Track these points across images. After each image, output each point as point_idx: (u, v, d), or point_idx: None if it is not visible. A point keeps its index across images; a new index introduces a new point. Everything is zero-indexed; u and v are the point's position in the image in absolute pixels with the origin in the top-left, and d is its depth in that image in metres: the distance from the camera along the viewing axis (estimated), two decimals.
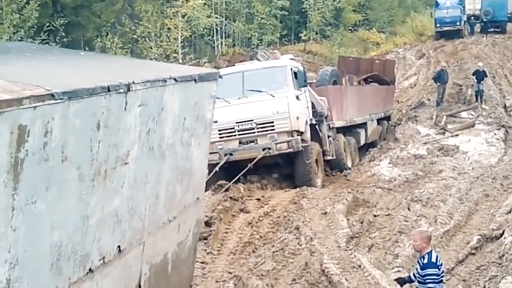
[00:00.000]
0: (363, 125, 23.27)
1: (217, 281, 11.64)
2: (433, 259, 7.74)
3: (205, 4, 38.22)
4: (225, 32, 42.90)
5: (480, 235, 12.65)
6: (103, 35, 33.78)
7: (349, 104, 21.71)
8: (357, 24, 57.59)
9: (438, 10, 53.46)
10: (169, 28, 35.28)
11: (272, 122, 16.93)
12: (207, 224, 14.24)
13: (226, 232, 13.87)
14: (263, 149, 16.65)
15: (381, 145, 23.59)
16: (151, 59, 32.62)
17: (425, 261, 7.74)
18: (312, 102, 18.75)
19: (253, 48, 43.76)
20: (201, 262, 12.53)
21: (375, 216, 14.46)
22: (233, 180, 16.39)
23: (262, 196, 16.34)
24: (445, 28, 52.09)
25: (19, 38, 18.11)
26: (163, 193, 7.88)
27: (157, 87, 7.15)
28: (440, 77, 28.96)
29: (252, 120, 16.92)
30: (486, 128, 24.37)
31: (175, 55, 33.78)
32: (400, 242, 12.67)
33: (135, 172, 6.83)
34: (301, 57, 41.62)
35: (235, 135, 17.15)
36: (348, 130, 21.84)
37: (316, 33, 48.89)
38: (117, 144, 6.31)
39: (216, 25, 40.90)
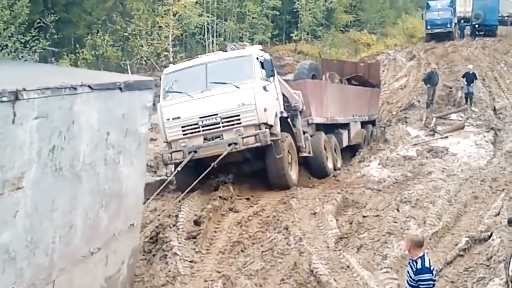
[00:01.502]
0: (346, 126, 22.47)
1: (206, 280, 11.63)
2: (427, 264, 7.71)
3: (196, 2, 38.19)
4: (216, 31, 42.91)
5: (468, 237, 12.67)
6: (94, 33, 33.69)
7: (329, 101, 20.81)
8: (348, 25, 57.75)
9: (429, 12, 53.72)
10: (160, 27, 35.23)
11: (238, 115, 15.71)
12: (196, 223, 14.26)
13: (215, 231, 13.84)
14: (229, 145, 15.43)
15: (371, 146, 23.59)
16: (141, 57, 32.59)
17: (419, 266, 7.71)
18: (285, 96, 17.95)
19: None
20: (190, 261, 12.53)
21: (364, 217, 14.46)
22: (198, 179, 15.28)
23: (252, 196, 16.27)
24: (436, 30, 52.36)
25: (10, 34, 17.99)
26: (80, 221, 6.50)
27: (63, 96, 5.83)
28: (430, 79, 29.06)
29: (217, 114, 15.69)
30: (475, 130, 24.43)
31: (166, 53, 33.74)
32: (389, 243, 12.67)
33: (34, 198, 5.51)
34: (292, 57, 41.77)
35: (199, 131, 15.92)
36: (329, 129, 20.83)
37: (307, 34, 49.01)
38: (3, 165, 5.13)
39: (208, 24, 40.92)
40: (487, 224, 13.35)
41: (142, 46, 33.85)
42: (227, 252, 12.97)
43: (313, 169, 18.79)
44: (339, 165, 20.52)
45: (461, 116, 26.86)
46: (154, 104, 15.69)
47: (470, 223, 13.93)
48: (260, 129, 15.59)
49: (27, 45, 18.68)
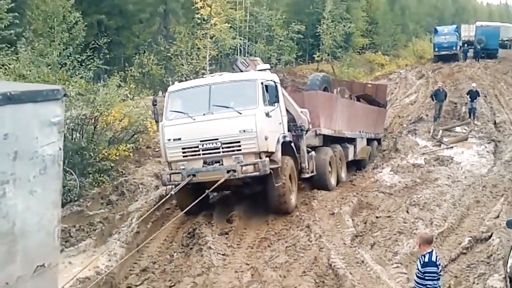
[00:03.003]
0: (353, 141, 20.94)
1: (236, 271, 11.66)
2: (433, 259, 7.71)
3: (230, 27, 38.38)
4: (247, 52, 43.01)
5: (471, 236, 12.58)
6: (141, 53, 34.04)
7: (338, 114, 19.14)
8: (364, 47, 57.61)
9: (436, 36, 53.66)
10: (198, 48, 35.44)
11: (239, 142, 13.69)
12: (228, 221, 14.30)
13: (245, 229, 13.87)
14: (228, 171, 13.53)
15: (383, 155, 23.44)
16: (182, 74, 32.81)
17: (426, 259, 7.71)
18: (292, 115, 16.12)
19: (272, 67, 43.93)
20: (222, 254, 12.56)
21: (377, 217, 14.41)
22: (193, 203, 13.52)
23: None
24: (443, 52, 52.25)
25: (68, 54, 18.23)
26: None
27: None
28: (437, 96, 28.92)
29: (217, 139, 13.69)
30: (477, 141, 24.23)
31: (203, 71, 33.87)
32: (399, 241, 12.60)
33: None
34: None
35: (199, 154, 13.96)
36: (337, 142, 19.26)
37: (328, 55, 48.95)
38: None
39: (240, 45, 41.06)
40: (487, 225, 13.23)
41: (182, 65, 34.05)
42: (255, 247, 12.99)
43: (315, 185, 17.10)
44: (343, 177, 19.20)
45: (465, 129, 26.64)
46: (157, 122, 14.96)
47: (472, 224, 13.80)
48: (260, 157, 13.72)
49: (83, 64, 18.85)
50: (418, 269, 7.78)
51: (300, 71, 42.20)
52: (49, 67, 17.64)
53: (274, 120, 14.35)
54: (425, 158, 21.39)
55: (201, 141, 13.78)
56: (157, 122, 15.08)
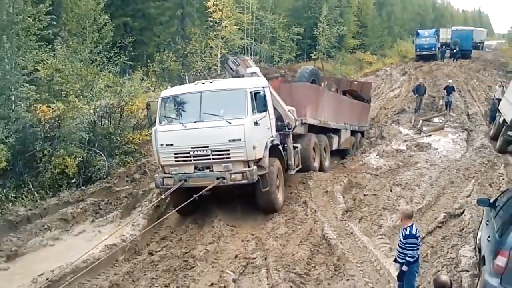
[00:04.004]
0: (337, 131, 19.58)
1: (242, 241, 11.74)
2: (414, 231, 7.70)
3: (239, 29, 38.18)
4: (253, 51, 42.85)
5: (445, 212, 12.61)
6: (161, 51, 33.88)
7: (324, 106, 17.90)
8: (355, 47, 57.27)
9: (418, 39, 53.51)
10: (211, 47, 35.25)
11: (228, 150, 12.43)
12: (235, 200, 14.19)
13: (249, 204, 13.89)
14: (217, 178, 12.46)
15: (371, 141, 23.35)
16: (196, 70, 32.70)
17: (407, 232, 7.70)
18: (280, 114, 14.82)
19: (274, 64, 43.80)
20: (231, 225, 12.62)
21: (364, 195, 14.42)
22: (188, 201, 12.45)
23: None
24: (423, 53, 52.14)
25: (98, 51, 18.18)
26: None
27: None
28: (418, 90, 28.76)
29: (208, 146, 12.46)
30: (453, 130, 24.15)
31: (215, 67, 33.73)
32: (383, 216, 12.64)
33: None
34: None
35: (190, 160, 12.71)
36: (322, 132, 18.11)
37: (324, 54, 48.64)
38: None
39: (247, 45, 40.87)
40: (460, 203, 13.26)
41: (197, 61, 33.83)
42: (259, 219, 13.03)
43: (300, 168, 15.81)
44: (327, 164, 18.12)
45: (442, 119, 26.54)
46: (150, 125, 13.78)
47: (447, 202, 13.81)
48: (248, 165, 12.55)
49: (111, 60, 18.79)
50: (400, 240, 7.78)
51: (299, 68, 41.90)
52: (82, 62, 17.61)
53: (262, 127, 13.15)
54: (407, 145, 21.35)
55: (192, 147, 12.57)
56: (150, 125, 13.96)
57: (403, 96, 33.58)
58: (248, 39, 40.62)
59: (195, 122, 12.62)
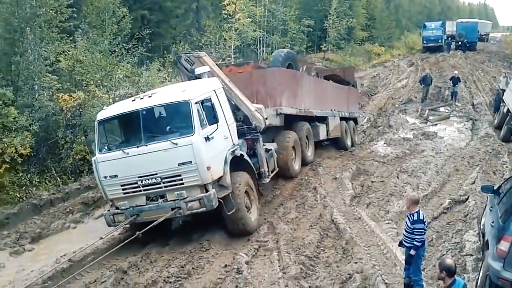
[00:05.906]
0: (324, 119, 17.31)
1: None
2: (421, 217, 7.66)
3: (252, 21, 37.98)
4: (266, 43, 42.66)
5: (450, 199, 12.55)
6: (177, 43, 33.83)
7: (304, 92, 15.60)
8: (364, 39, 56.73)
9: (425, 31, 53.11)
10: (225, 39, 35.12)
11: (179, 175, 10.13)
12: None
13: (262, 190, 13.90)
14: (172, 209, 10.24)
15: (379, 130, 23.22)
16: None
17: (415, 218, 7.64)
18: (246, 116, 12.64)
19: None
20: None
21: (372, 182, 14.41)
22: (135, 235, 9.95)
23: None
24: (430, 44, 51.76)
25: (117, 43, 18.23)
26: None
27: None
28: (424, 80, 28.61)
29: (156, 174, 10.16)
30: (458, 120, 24.02)
31: (229, 58, 33.64)
32: (390, 202, 12.62)
33: None
34: (321, 63, 41.33)
35: (140, 191, 10.40)
36: (305, 120, 16.01)
37: (333, 45, 48.25)
38: None
39: (260, 37, 40.69)
40: (465, 190, 13.18)
41: (211, 53, 33.79)
42: (271, 205, 13.05)
43: (278, 173, 13.96)
44: (311, 158, 16.25)
45: (448, 109, 26.37)
46: (91, 153, 11.22)
47: (452, 189, 13.73)
48: (205, 190, 10.26)
49: (129, 51, 18.83)
50: (407, 225, 7.74)
51: (309, 59, 41.75)
52: (101, 53, 17.67)
53: (218, 139, 10.71)
54: (413, 133, 21.26)
55: (139, 177, 10.25)
56: (92, 154, 11.10)
57: (410, 86, 33.32)
58: (260, 31, 40.40)
59: (137, 147, 10.27)
